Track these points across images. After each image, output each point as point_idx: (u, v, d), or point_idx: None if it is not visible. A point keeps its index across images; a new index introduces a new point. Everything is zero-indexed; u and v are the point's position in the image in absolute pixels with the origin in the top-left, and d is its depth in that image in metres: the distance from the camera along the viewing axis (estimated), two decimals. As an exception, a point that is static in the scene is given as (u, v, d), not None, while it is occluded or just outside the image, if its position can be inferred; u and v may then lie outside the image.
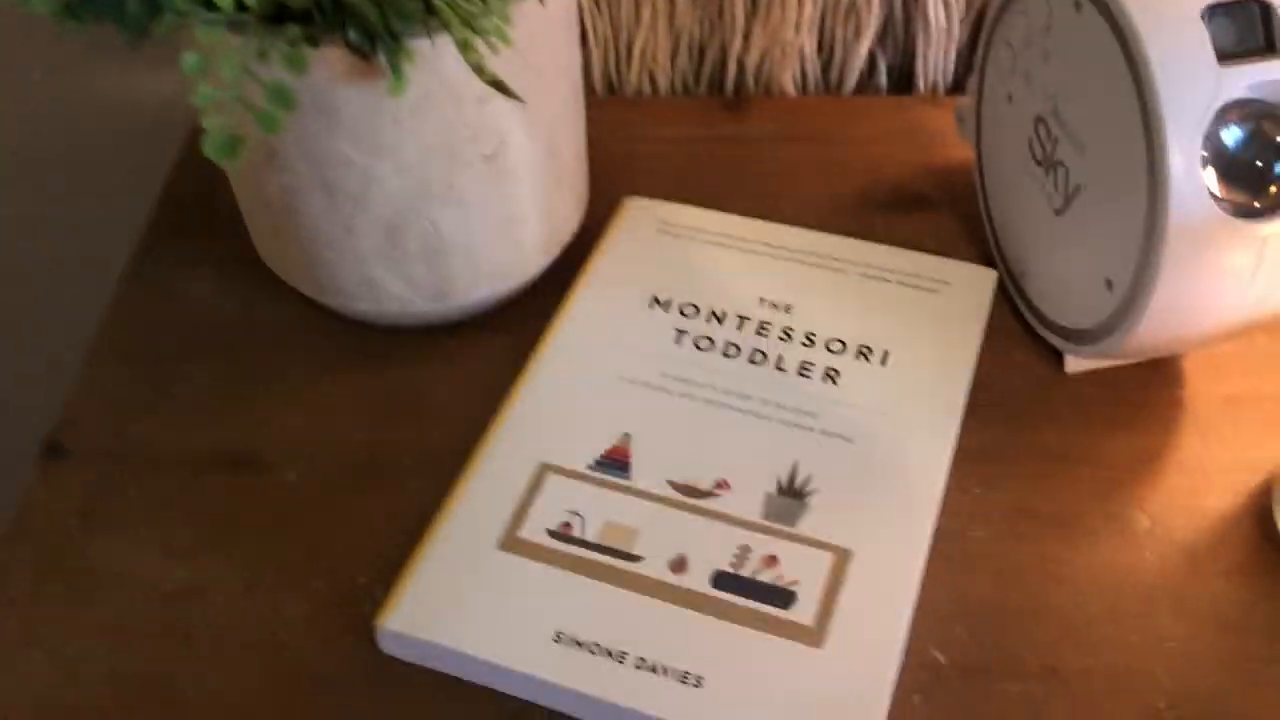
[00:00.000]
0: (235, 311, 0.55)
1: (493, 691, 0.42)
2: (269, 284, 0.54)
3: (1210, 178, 0.41)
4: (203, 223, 0.58)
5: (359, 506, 0.47)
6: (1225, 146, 0.41)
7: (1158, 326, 0.44)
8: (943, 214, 0.58)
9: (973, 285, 0.52)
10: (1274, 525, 0.46)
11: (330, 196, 0.46)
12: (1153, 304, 0.43)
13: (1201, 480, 0.47)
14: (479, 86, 0.44)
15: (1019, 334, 0.53)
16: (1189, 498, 0.47)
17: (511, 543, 0.43)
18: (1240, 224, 0.41)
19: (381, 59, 0.40)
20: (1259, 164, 0.41)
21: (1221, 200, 0.41)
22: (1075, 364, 0.51)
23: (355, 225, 0.47)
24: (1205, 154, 0.41)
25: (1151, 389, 0.51)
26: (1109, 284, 0.45)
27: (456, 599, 0.42)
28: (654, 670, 0.40)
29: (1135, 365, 0.50)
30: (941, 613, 0.43)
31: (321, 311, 0.53)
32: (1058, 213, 0.48)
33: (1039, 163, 0.49)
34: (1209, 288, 0.43)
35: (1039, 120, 0.49)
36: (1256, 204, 0.42)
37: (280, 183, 0.46)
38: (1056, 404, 0.50)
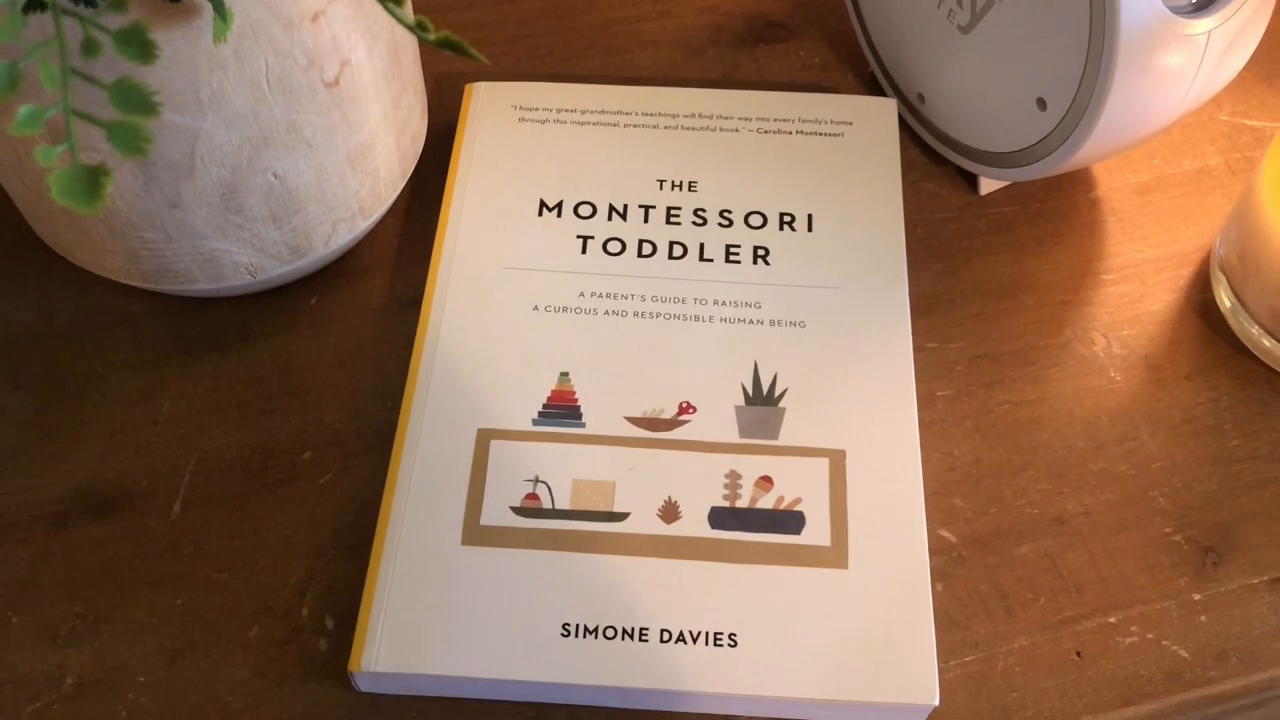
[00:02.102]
0: (32, 317, 0.45)
1: (501, 703, 0.37)
2: (66, 274, 0.44)
3: (1152, -23, 0.38)
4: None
5: (270, 523, 0.40)
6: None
7: (1104, 141, 0.41)
8: (807, 39, 0.53)
9: (876, 119, 0.47)
10: (1219, 316, 0.45)
11: (146, 170, 0.36)
12: (1104, 119, 0.40)
13: (1139, 285, 0.46)
14: (310, 2, 0.35)
15: (923, 161, 0.49)
16: (1133, 305, 0.46)
17: (476, 534, 0.38)
18: (1185, 23, 0.38)
19: (195, -5, 0.30)
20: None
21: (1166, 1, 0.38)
22: (988, 184, 0.48)
23: (182, 198, 0.38)
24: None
25: (1066, 195, 0.48)
26: (1042, 103, 0.42)
27: (436, 617, 0.36)
28: (683, 640, 0.36)
29: (1048, 174, 0.48)
30: (935, 487, 0.41)
31: (141, 293, 0.44)
32: (963, 30, 0.44)
33: (930, -25, 0.44)
34: (1156, 95, 0.40)
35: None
36: (1194, 0, 0.39)
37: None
38: (981, 232, 0.47)
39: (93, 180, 0.23)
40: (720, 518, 0.38)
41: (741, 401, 0.40)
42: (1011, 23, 0.42)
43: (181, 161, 0.36)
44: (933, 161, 0.49)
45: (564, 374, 0.41)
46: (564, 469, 0.39)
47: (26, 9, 0.23)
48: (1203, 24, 0.38)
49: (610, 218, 0.45)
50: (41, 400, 0.42)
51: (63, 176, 0.23)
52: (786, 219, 0.45)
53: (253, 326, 0.44)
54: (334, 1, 0.36)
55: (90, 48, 0.23)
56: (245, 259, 0.41)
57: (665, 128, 0.47)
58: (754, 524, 0.38)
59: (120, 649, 0.38)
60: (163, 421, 0.42)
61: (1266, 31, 0.42)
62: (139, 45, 0.24)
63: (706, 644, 0.36)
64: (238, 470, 0.41)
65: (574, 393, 0.40)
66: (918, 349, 0.44)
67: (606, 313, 0.42)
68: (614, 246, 0.44)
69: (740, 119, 0.47)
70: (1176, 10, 0.38)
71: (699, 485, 0.38)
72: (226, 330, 0.44)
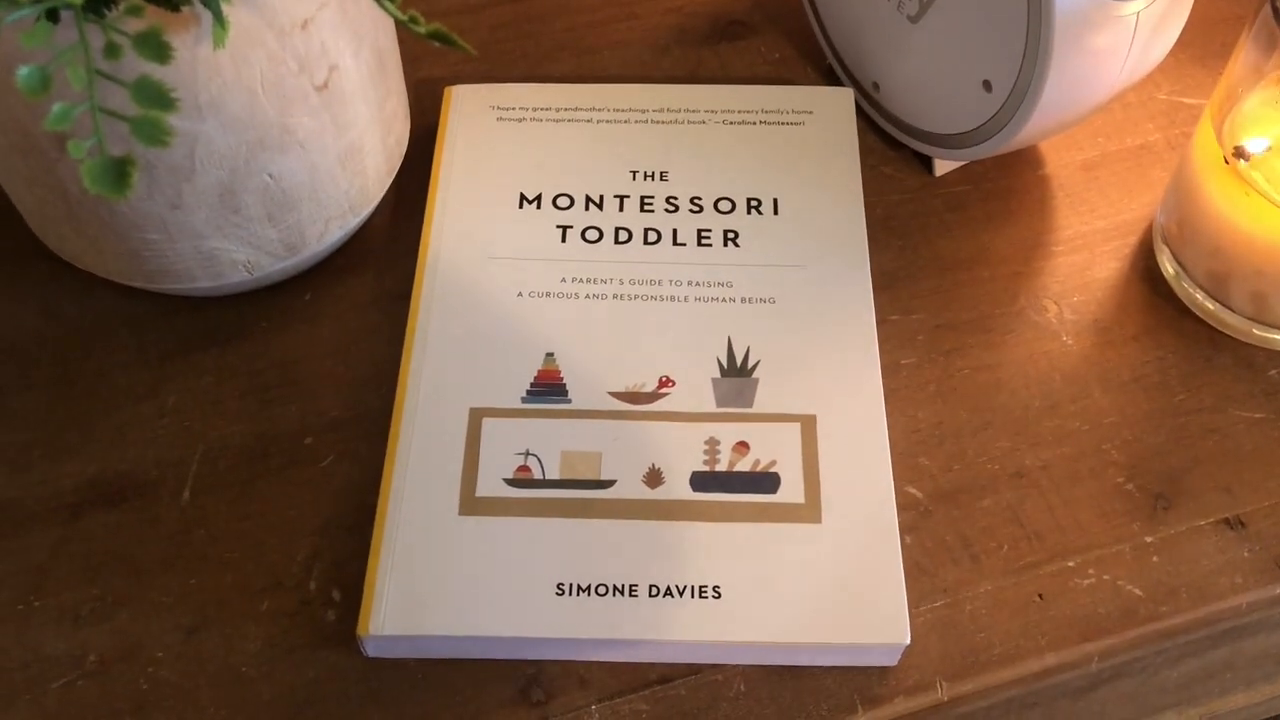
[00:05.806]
0: (36, 319, 0.47)
1: (501, 661, 0.39)
2: (71, 279, 0.46)
3: (1082, -37, 0.40)
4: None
5: (275, 505, 0.42)
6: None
7: (1046, 118, 0.44)
8: (767, 36, 0.56)
9: (834, 109, 0.50)
10: (1163, 282, 0.48)
11: (148, 173, 0.39)
12: (1044, 97, 0.42)
13: (1087, 255, 0.49)
14: (300, 10, 0.38)
15: (880, 147, 0.52)
16: (1082, 274, 0.48)
17: (472, 504, 0.40)
18: (1115, 5, 0.41)
19: (196, 5, 0.33)
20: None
21: (1096, -16, 0.41)
22: (943, 165, 0.51)
23: (183, 199, 0.40)
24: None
25: (1016, 173, 0.51)
26: (987, 85, 0.45)
27: (438, 582, 0.38)
28: (670, 594, 0.38)
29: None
30: (902, 448, 0.44)
31: (143, 295, 0.46)
32: (912, 20, 0.47)
33: (880, -30, 0.47)
34: (1092, 73, 0.43)
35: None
36: (1124, -18, 0.42)
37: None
38: (937, 211, 0.50)
39: (120, 169, 0.25)
40: (701, 481, 0.40)
41: (717, 374, 0.43)
42: (956, 11, 0.45)
43: (182, 164, 0.39)
44: (890, 146, 0.52)
45: (549, 354, 0.43)
46: (553, 442, 0.41)
47: (47, 16, 0.25)
48: (1132, 5, 0.41)
49: (587, 208, 0.47)
50: (52, 399, 0.44)
51: (93, 167, 0.25)
52: (754, 204, 0.47)
53: (250, 322, 0.46)
54: (322, 8, 0.38)
55: (112, 50, 0.26)
56: (243, 256, 0.43)
57: (636, 122, 0.50)
58: (733, 486, 0.40)
59: (139, 627, 0.40)
60: (168, 414, 0.44)
61: (1199, 16, 0.45)
62: (156, 47, 0.26)
63: (693, 597, 0.38)
64: (242, 457, 0.43)
65: (559, 371, 0.43)
66: (881, 321, 0.46)
67: (587, 296, 0.45)
68: (592, 234, 0.46)
69: (706, 112, 0.50)
70: (1108, -6, 0.41)
71: (680, 452, 0.41)
72: (225, 327, 0.46)
